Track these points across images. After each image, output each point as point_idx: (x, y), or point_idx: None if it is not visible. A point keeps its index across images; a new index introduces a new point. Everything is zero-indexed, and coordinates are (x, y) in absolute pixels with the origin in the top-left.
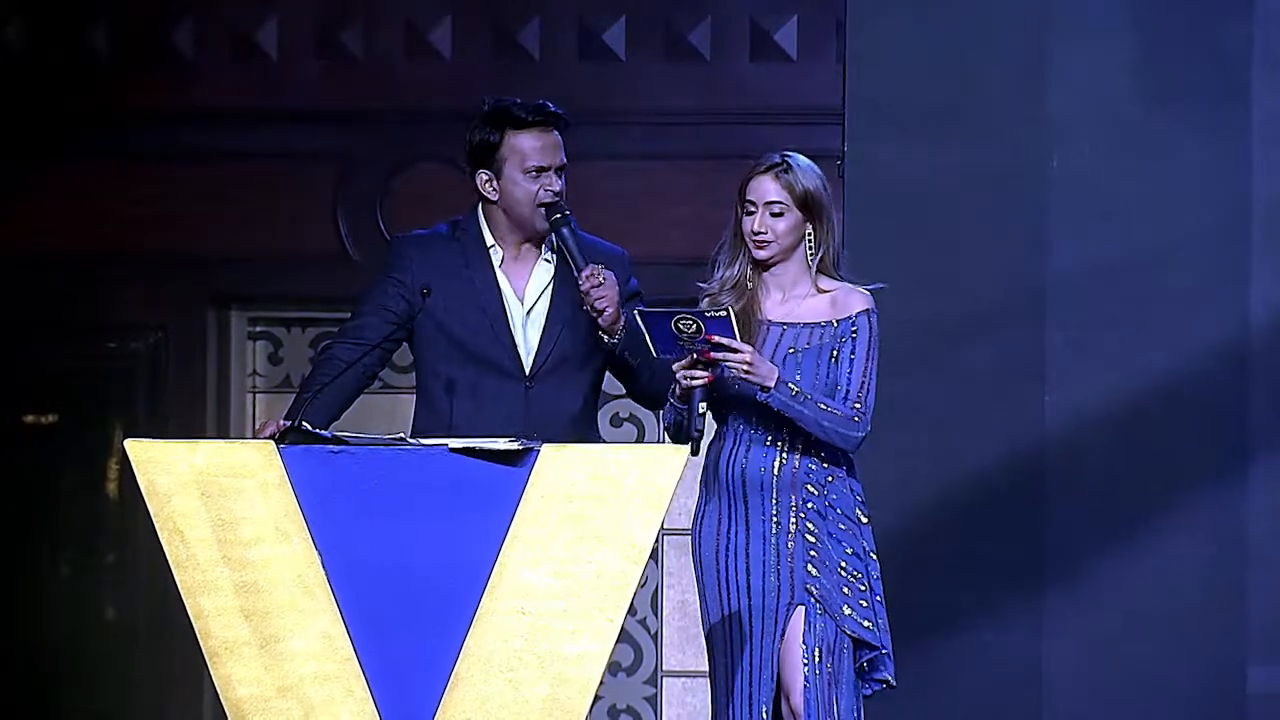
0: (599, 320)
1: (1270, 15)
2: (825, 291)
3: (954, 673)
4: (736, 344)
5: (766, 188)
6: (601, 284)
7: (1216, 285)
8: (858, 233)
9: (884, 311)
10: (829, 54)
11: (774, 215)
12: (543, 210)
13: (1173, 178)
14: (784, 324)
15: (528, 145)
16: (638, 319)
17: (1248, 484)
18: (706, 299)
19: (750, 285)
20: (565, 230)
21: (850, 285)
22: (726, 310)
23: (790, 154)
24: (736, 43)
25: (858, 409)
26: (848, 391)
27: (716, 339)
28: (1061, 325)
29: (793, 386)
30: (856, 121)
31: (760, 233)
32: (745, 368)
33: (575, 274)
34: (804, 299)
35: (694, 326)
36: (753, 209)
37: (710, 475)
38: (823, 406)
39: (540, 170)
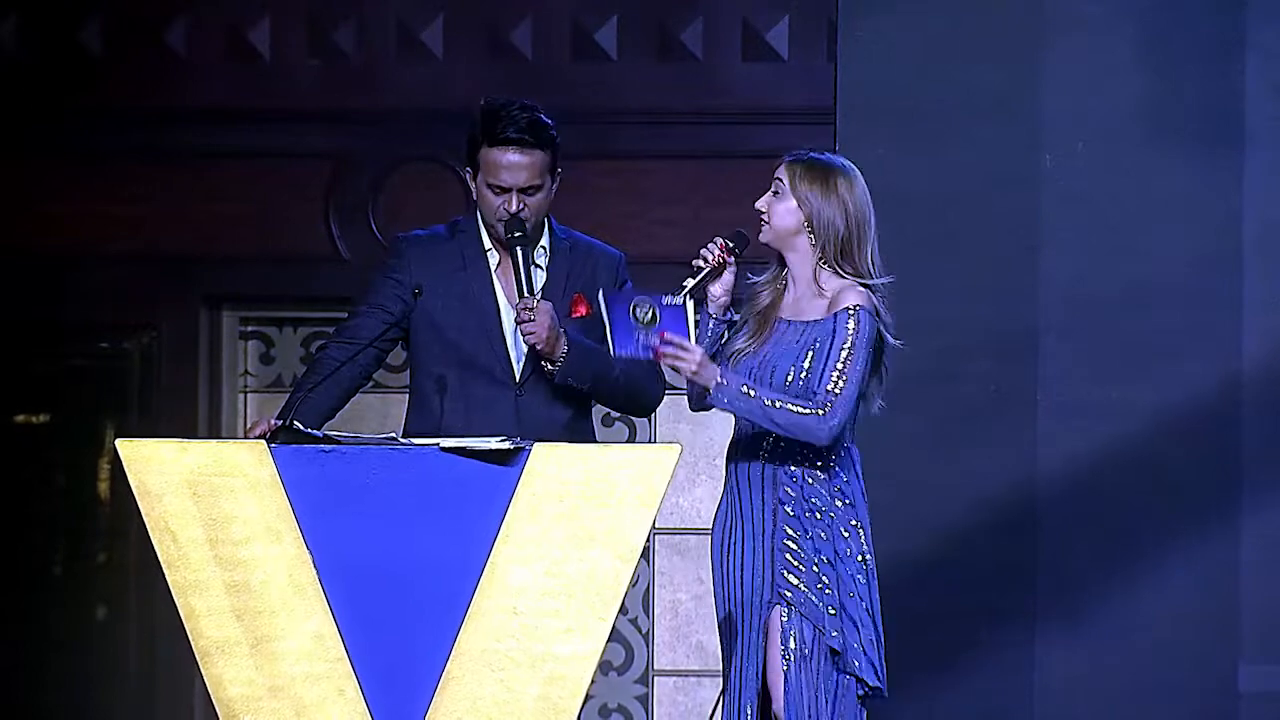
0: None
1: (1264, 19)
2: (828, 289)
3: (948, 702)
4: (687, 344)
5: (778, 169)
6: (531, 319)
7: (1210, 313)
8: None
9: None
10: (821, 54)
11: (774, 195)
12: (503, 225)
13: (1165, 206)
14: (790, 320)
15: (494, 162)
16: (600, 304)
17: (1241, 514)
18: (746, 294)
19: (781, 284)
20: (517, 250)
21: (850, 283)
22: (683, 300)
23: (822, 153)
24: (728, 42)
25: (822, 399)
26: (818, 384)
27: (668, 336)
28: (1054, 351)
29: (745, 386)
30: (848, 122)
31: (761, 211)
32: (693, 369)
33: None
34: (813, 297)
35: (650, 314)
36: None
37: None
38: (772, 403)
39: (501, 189)
